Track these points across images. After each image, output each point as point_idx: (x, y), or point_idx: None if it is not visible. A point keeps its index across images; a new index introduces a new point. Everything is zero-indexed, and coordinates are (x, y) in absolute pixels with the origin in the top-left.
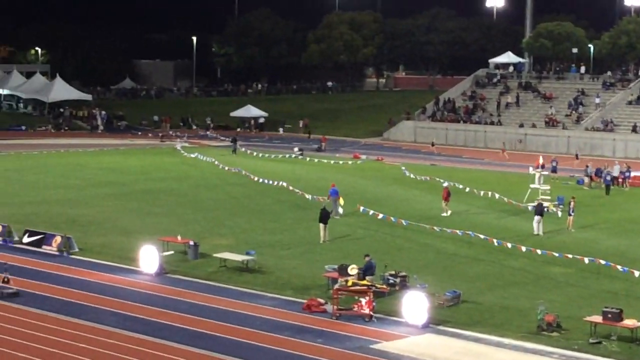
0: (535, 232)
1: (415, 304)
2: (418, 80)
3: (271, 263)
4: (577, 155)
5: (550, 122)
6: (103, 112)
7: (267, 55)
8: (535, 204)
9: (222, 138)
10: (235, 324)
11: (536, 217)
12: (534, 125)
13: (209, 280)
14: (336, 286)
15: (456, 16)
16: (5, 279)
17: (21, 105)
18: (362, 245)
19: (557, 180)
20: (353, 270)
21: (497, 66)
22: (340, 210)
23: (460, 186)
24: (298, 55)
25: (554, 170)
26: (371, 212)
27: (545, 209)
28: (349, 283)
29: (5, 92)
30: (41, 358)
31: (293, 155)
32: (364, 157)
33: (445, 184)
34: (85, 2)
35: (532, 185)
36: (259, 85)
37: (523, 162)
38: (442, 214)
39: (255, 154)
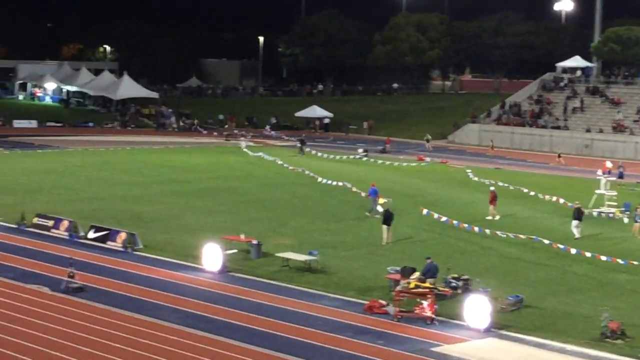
0: (577, 237)
1: (477, 308)
2: (484, 84)
3: (333, 264)
4: None
5: (618, 128)
6: (169, 110)
7: (333, 56)
8: (575, 207)
9: (286, 138)
10: (297, 323)
11: (574, 222)
12: (601, 131)
13: (271, 280)
14: (398, 288)
15: (524, 19)
16: (71, 274)
17: (89, 102)
18: (424, 248)
19: (624, 187)
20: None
21: (565, 70)
22: (379, 208)
23: (525, 190)
24: (364, 56)
25: (620, 176)
26: (435, 215)
27: (611, 215)
28: (411, 285)
29: (74, 89)
30: (104, 352)
31: (357, 157)
32: (428, 159)
33: (492, 188)
34: (154, 0)
35: (597, 191)
36: (325, 86)
37: (589, 167)
38: (487, 217)
39: (319, 154)
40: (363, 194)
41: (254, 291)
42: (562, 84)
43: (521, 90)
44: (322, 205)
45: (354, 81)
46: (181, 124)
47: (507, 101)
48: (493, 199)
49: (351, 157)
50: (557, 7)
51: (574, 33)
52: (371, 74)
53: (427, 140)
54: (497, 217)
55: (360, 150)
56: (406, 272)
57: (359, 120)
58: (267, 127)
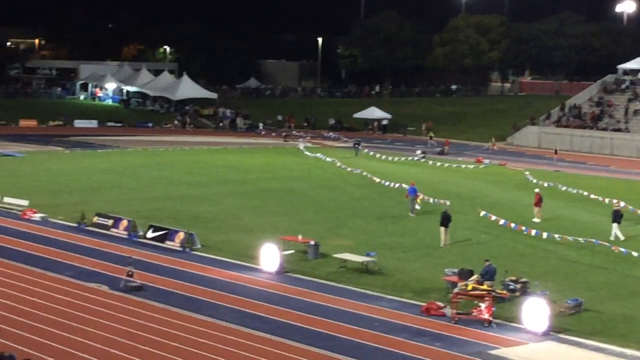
0: (613, 239)
1: (535, 311)
2: (544, 85)
3: (391, 265)
4: None
5: None
6: (228, 111)
7: (392, 57)
8: (614, 209)
9: (344, 139)
10: (354, 324)
11: (614, 225)
12: None
13: (328, 281)
14: (456, 290)
15: (585, 21)
16: (130, 273)
17: (149, 102)
18: (482, 250)
19: None
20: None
21: (626, 72)
22: (418, 207)
23: (585, 193)
24: (423, 57)
25: None
26: (493, 217)
27: None
28: (469, 287)
29: (134, 89)
30: (162, 351)
31: (415, 158)
32: (486, 161)
33: (537, 190)
34: (213, 1)
35: None
36: (383, 87)
37: None
38: (533, 220)
39: (377, 155)
40: (421, 196)
41: (311, 292)
42: (623, 86)
43: (581, 92)
44: (379, 206)
45: (413, 83)
46: (243, 124)
47: (567, 103)
48: (538, 201)
49: (409, 158)
50: (618, 8)
51: (635, 34)
52: (430, 76)
53: (493, 144)
54: (539, 220)
55: (419, 152)
56: (464, 274)
57: (418, 122)
58: (330, 134)
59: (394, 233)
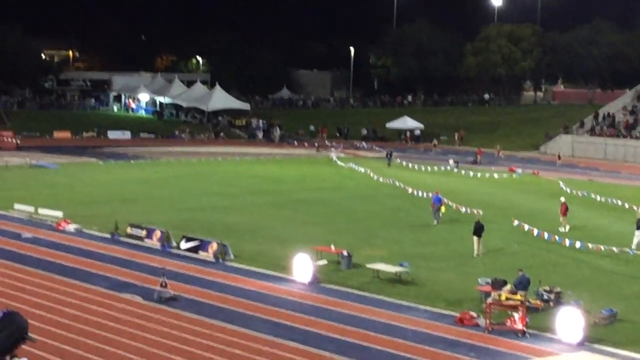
0: (634, 246)
1: (569, 321)
2: (577, 94)
3: (424, 275)
4: None
5: None
6: (261, 121)
7: (424, 66)
8: (638, 217)
9: (377, 149)
10: (387, 335)
11: (637, 232)
12: None
13: (361, 291)
14: (489, 300)
15: (618, 29)
16: (163, 284)
17: (181, 113)
18: (516, 260)
19: None
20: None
21: None
22: (441, 214)
23: (619, 202)
24: (455, 67)
25: None
26: (526, 226)
27: None
28: (503, 297)
29: (167, 100)
30: None
31: (448, 168)
32: (519, 170)
33: (563, 199)
34: (246, 12)
35: None
36: (415, 97)
37: None
38: (560, 229)
39: (410, 165)
40: (454, 206)
41: (344, 302)
42: None
43: (615, 101)
44: (412, 216)
45: (445, 92)
46: (276, 135)
47: (600, 112)
48: (565, 211)
49: (442, 168)
50: None
51: None
52: (462, 85)
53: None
54: (567, 228)
55: (451, 162)
56: (497, 284)
57: (450, 131)
58: (363, 144)
59: (427, 243)
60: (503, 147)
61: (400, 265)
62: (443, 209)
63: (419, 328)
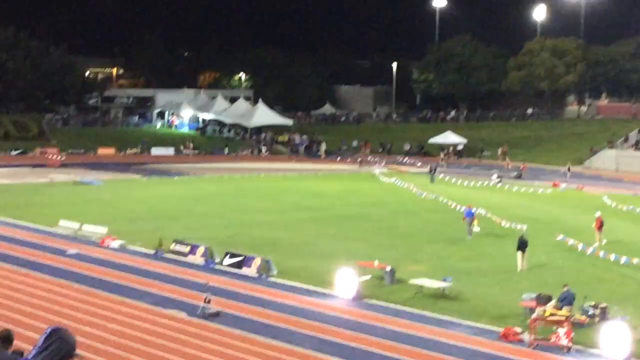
0: None
1: (615, 337)
2: (621, 108)
3: (468, 290)
4: None
5: None
6: (304, 137)
7: (467, 81)
8: None
9: (420, 164)
10: (431, 350)
11: None
12: None
13: (405, 306)
14: (534, 316)
15: None
16: (207, 299)
17: (225, 129)
18: (560, 275)
19: None
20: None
21: None
22: (476, 229)
23: None
24: (498, 82)
25: None
26: (570, 241)
27: None
28: (547, 313)
29: (210, 116)
30: None
31: (491, 183)
32: (563, 185)
33: (598, 214)
34: (288, 28)
35: None
36: (458, 112)
37: None
38: (595, 244)
39: (453, 180)
40: (498, 221)
41: (388, 318)
42: None
43: None
44: (456, 231)
45: (488, 107)
46: (319, 151)
47: None
48: (600, 226)
49: (485, 183)
50: None
51: None
52: (505, 100)
53: (569, 169)
54: (604, 242)
55: (494, 177)
56: (542, 300)
57: (493, 146)
58: (405, 159)
59: (470, 258)
60: (546, 162)
61: (444, 280)
62: (476, 222)
63: (462, 344)
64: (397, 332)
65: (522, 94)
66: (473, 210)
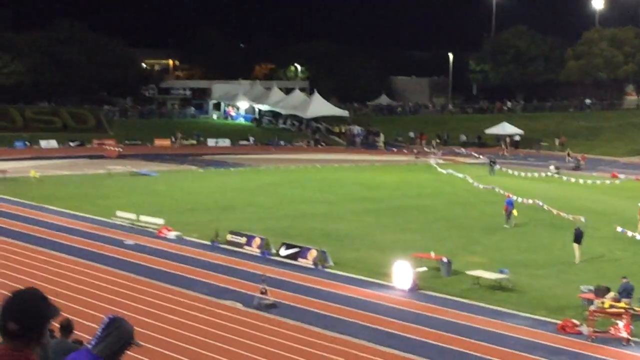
0: None
1: None
2: None
3: (525, 282)
4: None
5: None
6: (359, 128)
7: (524, 72)
8: None
9: (476, 155)
10: (488, 342)
11: None
12: None
13: (461, 298)
14: (592, 308)
15: None
16: (263, 290)
17: (280, 120)
18: (618, 267)
19: None
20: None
21: None
22: (513, 218)
23: None
24: (555, 72)
25: None
26: (629, 233)
27: None
28: (606, 305)
29: (266, 107)
30: None
31: (549, 174)
32: (622, 176)
33: None
34: (344, 19)
35: None
36: (515, 102)
37: None
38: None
39: (510, 171)
40: (555, 212)
41: (444, 309)
42: None
43: None
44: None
45: (545, 97)
46: (376, 141)
47: None
48: None
49: (543, 174)
50: None
51: None
52: (563, 90)
53: (568, 154)
54: None
55: (552, 167)
56: (600, 292)
57: (550, 137)
58: (462, 150)
59: (528, 250)
60: (604, 153)
61: (501, 272)
62: (515, 212)
63: (520, 335)
64: (454, 324)
65: (580, 84)
66: (513, 199)
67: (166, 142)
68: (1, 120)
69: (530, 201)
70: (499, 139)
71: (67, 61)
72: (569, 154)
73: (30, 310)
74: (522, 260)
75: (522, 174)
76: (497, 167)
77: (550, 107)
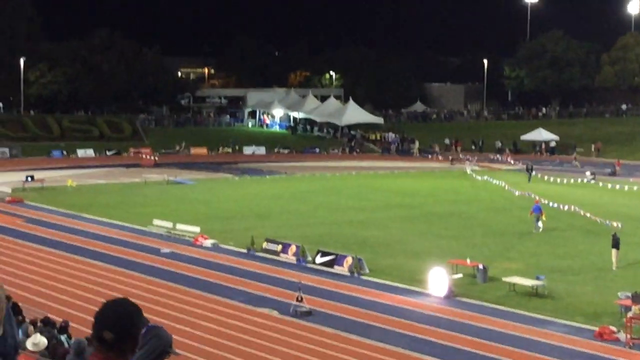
0: None
1: None
2: None
3: (561, 288)
4: None
5: None
6: (394, 135)
7: (559, 77)
8: None
9: (511, 162)
10: (525, 349)
11: None
12: None
13: (497, 305)
14: (630, 314)
15: None
16: (299, 298)
17: (315, 128)
18: None
19: None
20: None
21: None
22: (540, 225)
23: None
24: (591, 77)
25: None
26: None
27: None
28: None
29: (301, 115)
30: None
31: (585, 180)
32: None
33: None
34: (378, 26)
35: None
36: (550, 109)
37: None
38: None
39: (546, 178)
40: (592, 218)
41: (480, 316)
42: None
43: None
44: (549, 229)
45: (581, 103)
46: (417, 149)
47: None
48: None
49: (579, 180)
50: None
51: None
52: (598, 96)
53: (575, 158)
54: None
55: (588, 174)
56: (638, 298)
57: (587, 143)
58: (497, 157)
59: (564, 256)
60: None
61: (537, 278)
62: (544, 218)
63: (557, 342)
64: (490, 331)
65: (616, 90)
66: (540, 205)
67: (202, 151)
68: (39, 129)
69: (568, 207)
70: (534, 145)
71: (104, 70)
72: (575, 158)
73: (125, 319)
74: (559, 267)
75: (558, 180)
76: (534, 173)
77: (585, 113)
